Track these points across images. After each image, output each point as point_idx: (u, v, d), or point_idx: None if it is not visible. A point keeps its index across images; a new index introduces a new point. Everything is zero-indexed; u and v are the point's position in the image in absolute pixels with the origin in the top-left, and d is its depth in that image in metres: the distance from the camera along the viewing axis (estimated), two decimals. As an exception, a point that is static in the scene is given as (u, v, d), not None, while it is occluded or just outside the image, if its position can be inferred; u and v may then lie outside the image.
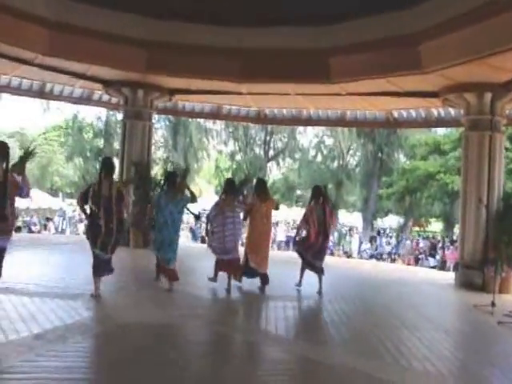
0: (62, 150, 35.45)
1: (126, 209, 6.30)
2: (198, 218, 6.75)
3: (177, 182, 6.22)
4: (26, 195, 4.92)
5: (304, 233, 6.89)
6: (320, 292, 6.59)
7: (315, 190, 6.83)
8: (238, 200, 6.41)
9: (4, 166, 4.63)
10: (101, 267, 5.46)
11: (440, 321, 5.89)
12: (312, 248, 6.63)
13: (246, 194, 6.80)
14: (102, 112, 25.39)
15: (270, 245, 7.41)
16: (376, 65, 8.08)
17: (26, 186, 4.85)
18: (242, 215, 6.54)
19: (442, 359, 4.21)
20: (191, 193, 6.40)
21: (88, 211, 5.48)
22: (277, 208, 6.91)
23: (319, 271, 6.72)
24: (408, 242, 20.66)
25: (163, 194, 6.12)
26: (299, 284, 6.81)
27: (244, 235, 7.29)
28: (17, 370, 3.25)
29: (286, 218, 25.54)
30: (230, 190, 6.39)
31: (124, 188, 6.50)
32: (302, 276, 6.84)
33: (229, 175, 25.13)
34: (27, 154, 5.00)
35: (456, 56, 7.04)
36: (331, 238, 7.63)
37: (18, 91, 11.21)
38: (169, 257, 6.03)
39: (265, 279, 6.59)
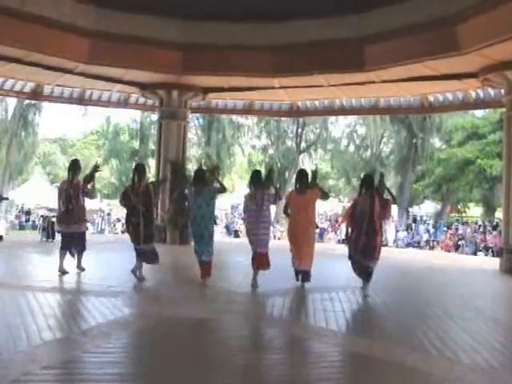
0: (99, 153, 36.50)
1: (155, 205, 6.82)
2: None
3: (204, 176, 6.26)
4: (90, 196, 6.71)
5: (350, 230, 6.13)
6: (366, 296, 5.85)
7: (364, 181, 6.08)
8: (266, 193, 6.19)
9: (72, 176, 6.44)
10: (139, 255, 6.31)
11: (487, 309, 5.63)
12: (357, 245, 5.87)
13: (277, 187, 6.64)
14: (137, 114, 25.96)
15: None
16: (412, 50, 7.88)
17: (90, 190, 6.55)
18: (270, 208, 6.36)
19: (492, 351, 4.00)
20: (220, 184, 6.40)
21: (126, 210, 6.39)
22: (324, 197, 6.31)
23: (366, 275, 5.91)
24: (468, 230, 19.51)
25: (193, 190, 6.22)
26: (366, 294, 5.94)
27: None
28: (66, 365, 3.38)
29: (319, 209, 25.26)
30: (256, 183, 6.27)
31: (162, 185, 6.97)
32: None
33: (261, 169, 25.05)
34: (95, 168, 6.59)
35: (496, 33, 6.75)
36: (383, 233, 6.55)
37: (60, 99, 11.83)
38: (201, 249, 6.14)
39: (306, 276, 6.17)
